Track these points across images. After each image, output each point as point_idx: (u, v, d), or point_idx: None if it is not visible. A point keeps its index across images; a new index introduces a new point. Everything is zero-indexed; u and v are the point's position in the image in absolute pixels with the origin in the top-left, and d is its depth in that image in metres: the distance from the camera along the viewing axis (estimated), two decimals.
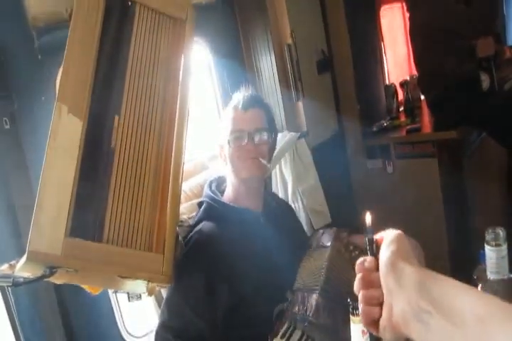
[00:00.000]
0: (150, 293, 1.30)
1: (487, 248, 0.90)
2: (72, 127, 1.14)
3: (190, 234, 1.40)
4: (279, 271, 1.36)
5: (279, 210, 1.60)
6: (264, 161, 1.41)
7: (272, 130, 1.50)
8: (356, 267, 0.63)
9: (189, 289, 1.28)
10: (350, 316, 0.81)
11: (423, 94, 2.93)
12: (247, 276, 1.32)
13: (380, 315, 0.58)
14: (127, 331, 1.45)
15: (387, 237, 0.61)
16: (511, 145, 2.57)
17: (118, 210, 1.24)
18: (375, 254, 0.61)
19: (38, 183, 1.06)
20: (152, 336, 1.52)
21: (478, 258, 1.12)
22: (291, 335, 1.19)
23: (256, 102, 1.48)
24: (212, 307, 1.26)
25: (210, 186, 1.53)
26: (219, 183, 1.56)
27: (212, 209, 1.45)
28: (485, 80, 2.50)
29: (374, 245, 0.62)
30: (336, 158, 2.46)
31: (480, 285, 0.95)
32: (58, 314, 1.20)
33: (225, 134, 1.45)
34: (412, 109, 3.00)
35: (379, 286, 0.59)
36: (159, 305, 1.33)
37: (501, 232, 0.89)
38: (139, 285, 1.27)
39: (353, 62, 2.54)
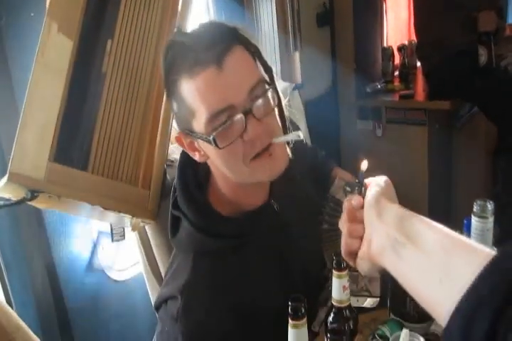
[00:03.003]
0: (134, 228, 1.28)
1: (474, 219, 0.90)
2: (62, 46, 1.08)
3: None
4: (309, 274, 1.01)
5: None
6: (281, 139, 0.89)
7: (271, 75, 0.92)
8: (344, 204, 0.68)
9: None
10: (334, 271, 0.79)
11: (420, 61, 2.90)
12: (266, 315, 0.92)
13: (359, 247, 0.64)
14: (108, 263, 1.44)
15: (375, 180, 0.68)
16: (501, 122, 2.58)
17: (105, 139, 1.20)
18: (363, 195, 0.66)
19: (23, 102, 1.00)
20: (133, 271, 1.52)
21: (461, 227, 1.11)
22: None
23: (227, 38, 0.84)
24: None
25: (186, 186, 0.97)
26: (198, 179, 0.99)
27: (202, 242, 0.94)
28: (483, 55, 2.48)
29: (363, 187, 0.68)
30: (327, 115, 2.44)
31: None
32: (38, 241, 1.17)
33: (195, 125, 0.85)
34: (407, 74, 2.97)
35: (362, 222, 0.64)
36: (142, 242, 1.31)
37: (489, 205, 0.89)
38: (122, 219, 1.25)
39: (353, 19, 2.48)
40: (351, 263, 0.67)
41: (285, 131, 0.94)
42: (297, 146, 1.01)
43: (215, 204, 0.95)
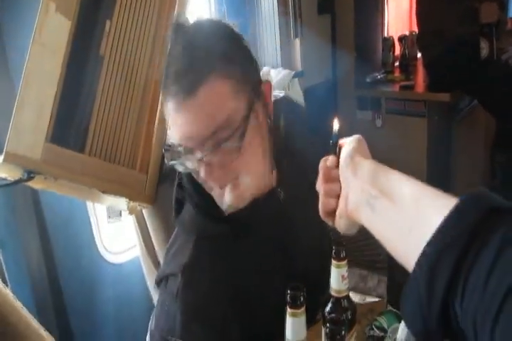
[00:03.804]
0: (131, 211, 1.28)
1: None
2: (60, 26, 1.07)
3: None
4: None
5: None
6: (247, 179, 0.85)
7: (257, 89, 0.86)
8: (319, 165, 0.67)
9: (186, 334, 0.91)
10: (333, 261, 0.77)
11: (421, 51, 2.88)
12: (266, 304, 0.92)
13: (337, 206, 0.64)
14: (104, 246, 1.43)
15: (349, 139, 0.67)
16: (500, 116, 2.57)
17: (103, 122, 1.19)
18: (338, 155, 0.66)
19: (20, 82, 0.99)
20: (130, 253, 1.52)
21: None
22: None
23: (202, 66, 0.78)
24: None
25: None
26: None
27: (204, 226, 0.94)
28: (484, 48, 2.47)
29: (337, 147, 0.67)
30: (326, 104, 2.42)
31: None
32: (34, 220, 1.17)
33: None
34: (407, 65, 2.96)
35: (338, 181, 0.64)
36: (140, 226, 1.31)
37: None
38: (119, 202, 1.25)
39: (354, 7, 2.47)
40: (330, 223, 0.67)
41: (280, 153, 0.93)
42: (313, 139, 1.03)
43: None
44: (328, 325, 0.76)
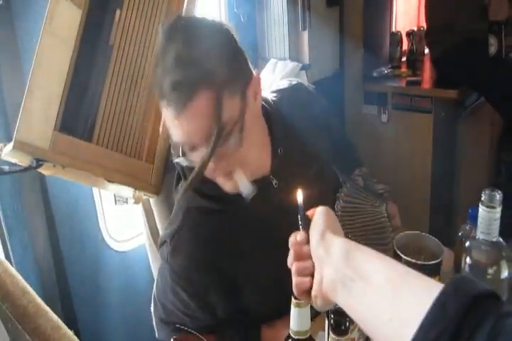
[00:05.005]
0: (137, 200, 1.29)
1: (481, 208, 0.89)
2: (71, 15, 1.07)
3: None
4: None
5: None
6: (242, 180, 0.90)
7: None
8: (289, 241, 0.67)
9: (175, 297, 1.01)
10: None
11: (428, 47, 2.87)
12: (253, 283, 1.01)
13: (311, 284, 0.63)
14: (110, 234, 1.44)
15: (318, 211, 0.67)
16: (507, 113, 2.56)
17: (111, 112, 1.19)
18: (307, 229, 0.66)
19: (30, 69, 1.00)
20: (136, 241, 1.53)
21: (465, 217, 1.10)
22: None
23: (193, 81, 0.81)
24: (207, 314, 1.01)
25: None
26: None
27: (193, 199, 1.00)
28: (493, 45, 2.46)
29: (306, 221, 0.67)
30: (332, 98, 2.42)
31: (468, 243, 0.95)
32: (42, 208, 1.18)
33: None
34: (414, 60, 2.94)
35: (309, 258, 0.64)
36: (146, 214, 1.32)
37: (497, 195, 0.88)
38: (125, 190, 1.25)
39: (364, 1, 2.44)
40: (307, 301, 0.68)
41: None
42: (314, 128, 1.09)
43: None
44: (332, 316, 0.77)
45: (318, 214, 0.66)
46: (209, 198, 0.99)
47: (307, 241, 0.65)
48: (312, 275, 0.63)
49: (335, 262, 0.59)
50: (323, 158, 1.14)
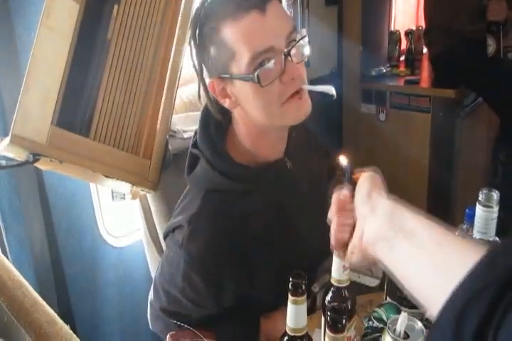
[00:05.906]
0: (133, 196, 1.29)
1: (478, 207, 0.89)
2: (68, 9, 1.06)
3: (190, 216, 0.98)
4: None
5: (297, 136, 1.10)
6: (312, 88, 0.93)
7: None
8: (333, 197, 0.69)
9: (186, 283, 0.99)
10: (335, 250, 0.73)
11: (427, 46, 2.87)
12: (266, 268, 1.00)
13: (349, 238, 0.65)
14: (106, 230, 1.44)
15: (365, 174, 0.69)
16: (504, 113, 2.57)
17: (108, 107, 1.19)
18: (352, 191, 0.67)
19: (27, 65, 0.99)
20: (132, 238, 1.53)
21: (462, 216, 1.10)
22: None
23: None
24: (214, 302, 1.01)
25: (206, 129, 1.01)
26: (218, 125, 1.02)
27: (214, 180, 0.98)
28: (491, 45, 2.46)
29: (352, 180, 0.68)
30: (330, 96, 2.42)
31: None
32: (38, 202, 1.17)
33: (234, 67, 0.88)
34: (413, 60, 2.95)
35: (351, 214, 0.66)
36: (144, 210, 1.31)
37: (495, 194, 0.88)
38: (123, 186, 1.25)
39: (362, 0, 2.45)
40: (341, 255, 0.69)
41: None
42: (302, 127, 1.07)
43: (231, 152, 1.00)
44: (329, 313, 0.77)
45: (365, 178, 0.68)
46: (229, 178, 0.98)
47: (351, 201, 0.66)
48: (351, 231, 0.65)
49: (379, 219, 0.60)
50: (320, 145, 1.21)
